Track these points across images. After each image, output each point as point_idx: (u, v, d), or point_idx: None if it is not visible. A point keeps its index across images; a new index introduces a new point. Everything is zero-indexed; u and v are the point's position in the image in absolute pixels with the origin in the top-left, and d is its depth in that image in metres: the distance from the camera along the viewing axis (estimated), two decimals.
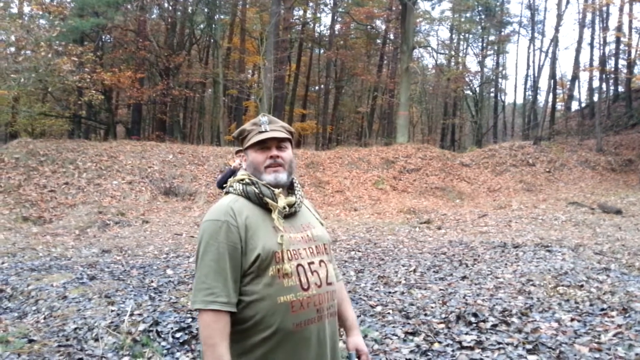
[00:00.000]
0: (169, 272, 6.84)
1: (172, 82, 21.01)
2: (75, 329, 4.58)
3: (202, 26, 26.82)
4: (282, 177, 1.78)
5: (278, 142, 1.80)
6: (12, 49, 15.15)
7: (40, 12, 17.54)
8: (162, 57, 21.23)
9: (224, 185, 1.84)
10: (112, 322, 4.65)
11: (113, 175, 14.34)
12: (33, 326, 4.74)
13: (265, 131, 1.79)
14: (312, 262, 1.74)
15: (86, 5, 17.69)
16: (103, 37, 21.98)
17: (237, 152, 6.22)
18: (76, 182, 13.69)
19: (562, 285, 5.53)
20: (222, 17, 26.01)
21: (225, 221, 1.66)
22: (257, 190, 1.73)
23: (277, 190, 1.75)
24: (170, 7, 23.16)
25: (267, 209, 1.73)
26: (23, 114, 16.70)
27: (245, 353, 1.65)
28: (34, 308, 5.34)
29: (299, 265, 1.70)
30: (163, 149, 16.59)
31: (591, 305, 4.79)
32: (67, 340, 4.35)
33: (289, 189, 1.85)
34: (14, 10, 20.48)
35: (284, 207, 1.75)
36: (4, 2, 19.18)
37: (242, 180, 1.78)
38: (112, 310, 5.01)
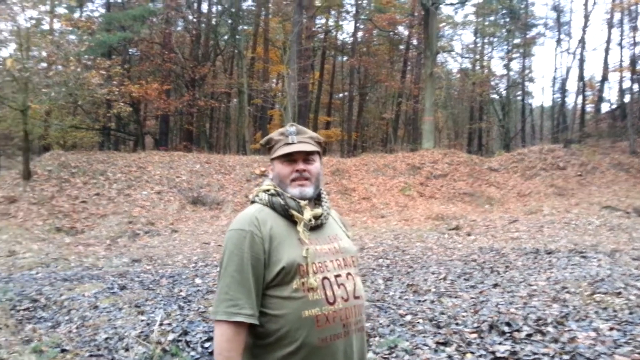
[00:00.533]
0: (198, 281, 6.88)
1: (198, 93, 21.29)
2: (106, 338, 4.63)
3: (226, 37, 27.14)
4: (308, 191, 1.75)
5: (305, 155, 1.76)
6: (44, 65, 15.56)
7: (70, 28, 17.99)
8: (188, 68, 21.56)
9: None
10: (142, 332, 4.69)
11: (142, 186, 14.56)
12: (66, 336, 4.81)
13: (293, 143, 1.76)
14: (339, 275, 1.69)
15: (113, 19, 18.11)
16: (130, 50, 22.45)
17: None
18: (107, 192, 13.95)
19: (599, 293, 5.35)
20: (245, 27, 26.29)
21: (249, 231, 1.63)
22: (282, 202, 1.70)
23: (303, 202, 1.72)
24: (194, 20, 23.51)
25: (292, 220, 1.69)
26: (55, 127, 17.09)
27: (273, 354, 1.61)
28: (66, 318, 5.42)
29: (324, 278, 1.65)
30: (190, 159, 16.79)
31: (630, 313, 4.61)
32: (99, 349, 4.39)
33: (316, 200, 1.81)
34: (45, 27, 21.11)
35: (310, 220, 1.71)
36: (35, 20, 19.77)
37: (268, 190, 1.75)
38: (142, 320, 5.05)
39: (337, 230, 1.84)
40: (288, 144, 1.76)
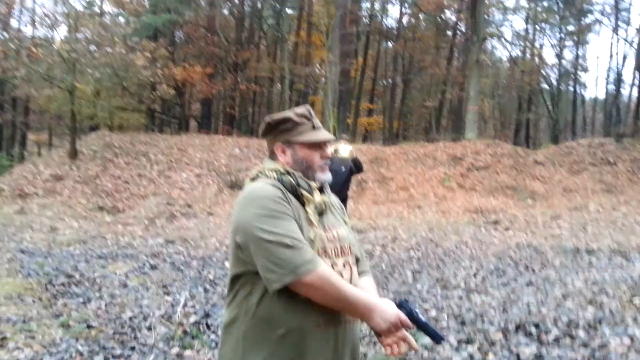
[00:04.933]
0: (227, 264, 6.94)
1: (240, 77, 21.44)
2: (132, 317, 4.73)
3: (270, 21, 27.16)
4: (329, 176, 1.77)
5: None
6: (92, 47, 15.99)
7: (117, 10, 18.40)
8: (231, 52, 21.71)
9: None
10: (165, 312, 4.77)
11: (182, 168, 14.84)
12: (94, 312, 4.94)
13: (319, 128, 1.74)
14: (336, 264, 1.65)
15: (159, 2, 18.37)
16: (175, 33, 22.79)
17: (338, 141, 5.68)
18: (148, 173, 14.29)
19: (639, 297, 5.05)
20: (289, 11, 26.20)
21: (283, 198, 1.60)
22: (294, 181, 1.65)
23: (314, 184, 1.70)
24: (238, 3, 23.60)
25: (300, 201, 1.65)
26: (101, 107, 17.59)
27: (258, 347, 1.57)
28: (97, 294, 5.58)
29: None
30: (230, 143, 16.97)
31: None
32: (123, 327, 4.49)
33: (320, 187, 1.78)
34: (96, 9, 21.70)
35: (323, 203, 1.70)
36: (87, 2, 20.34)
37: (276, 170, 1.69)
38: (167, 301, 5.14)
39: (337, 217, 1.81)
40: (315, 128, 1.74)
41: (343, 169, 6.21)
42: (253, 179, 1.71)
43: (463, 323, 4.44)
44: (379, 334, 1.61)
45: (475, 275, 6.32)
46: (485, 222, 11.14)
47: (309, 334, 1.56)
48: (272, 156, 1.77)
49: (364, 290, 1.69)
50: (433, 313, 4.76)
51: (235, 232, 1.59)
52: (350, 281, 1.66)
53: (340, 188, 6.26)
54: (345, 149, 6.23)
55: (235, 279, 1.63)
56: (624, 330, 4.13)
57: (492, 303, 5.07)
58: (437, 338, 1.66)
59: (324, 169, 1.75)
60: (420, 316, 1.63)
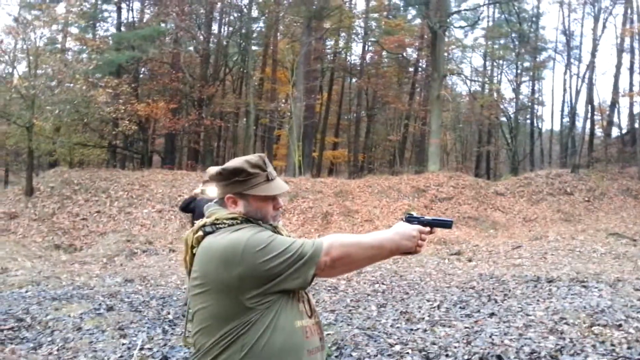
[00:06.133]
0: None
1: (205, 112, 21.38)
2: None
3: (235, 57, 27.38)
4: (280, 224, 1.79)
5: None
6: (53, 83, 15.73)
7: (80, 47, 18.24)
8: (195, 88, 21.70)
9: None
10: (121, 357, 4.56)
11: (144, 204, 14.52)
12: (45, 358, 4.69)
13: (273, 179, 1.72)
14: (302, 296, 1.71)
15: (123, 39, 18.32)
16: (139, 69, 22.67)
17: (205, 181, 6.20)
18: (108, 210, 13.92)
19: (598, 325, 5.14)
20: (255, 48, 26.50)
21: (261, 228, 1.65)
22: (257, 225, 1.67)
23: (275, 225, 1.73)
24: (204, 40, 23.74)
25: None
26: (60, 143, 17.19)
27: None
28: (49, 339, 5.31)
29: None
30: (194, 178, 16.75)
31: (629, 348, 4.40)
32: None
33: None
34: (57, 45, 21.46)
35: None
36: (48, 38, 20.10)
37: (235, 218, 1.66)
38: (124, 344, 4.93)
39: None
40: (269, 180, 1.71)
41: None
42: (208, 232, 1.64)
43: (427, 357, 4.41)
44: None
45: (439, 307, 6.32)
46: (449, 253, 11.24)
47: None
48: (222, 203, 1.73)
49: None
50: (397, 348, 4.71)
51: (241, 281, 1.53)
52: (313, 310, 1.71)
53: None
54: (212, 191, 6.37)
55: (222, 337, 1.56)
56: (583, 358, 4.17)
57: (456, 335, 5.06)
58: (447, 224, 1.84)
59: (276, 219, 1.75)
60: (427, 218, 1.80)
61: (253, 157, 1.73)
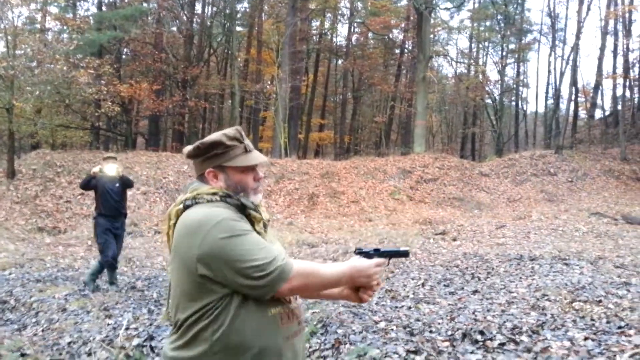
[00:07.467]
0: (171, 292, 6.73)
1: (189, 93, 21.14)
2: (70, 342, 4.50)
3: (219, 38, 27.02)
4: (261, 197, 1.76)
5: None
6: (34, 63, 15.38)
7: (60, 27, 17.83)
8: (179, 69, 21.41)
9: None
10: (107, 336, 4.56)
11: None
12: (29, 339, 4.67)
13: (251, 151, 1.71)
14: None
15: (104, 19, 17.96)
16: (121, 49, 22.28)
17: (105, 158, 6.39)
18: (92, 192, 13.74)
19: (579, 301, 5.24)
20: (239, 29, 26.17)
21: (239, 216, 1.59)
22: (238, 203, 1.63)
23: (257, 202, 1.70)
24: (187, 20, 23.37)
25: (249, 221, 1.64)
26: (42, 125, 16.89)
27: None
28: (34, 320, 5.29)
29: None
30: (178, 160, 16.63)
31: (608, 322, 4.50)
32: (60, 354, 4.26)
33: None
34: (37, 25, 20.97)
35: (268, 220, 1.72)
36: (27, 17, 19.61)
37: (215, 193, 1.63)
38: (109, 324, 4.92)
39: (272, 234, 1.81)
40: (247, 151, 1.70)
41: (117, 184, 6.42)
42: (188, 206, 1.62)
43: (412, 333, 4.46)
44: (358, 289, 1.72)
45: (423, 285, 6.39)
46: (434, 233, 11.34)
47: (283, 348, 1.58)
48: (202, 179, 1.71)
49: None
50: (382, 325, 4.76)
51: (198, 262, 1.50)
52: None
53: (119, 200, 6.61)
54: (111, 169, 6.52)
55: (194, 314, 1.54)
56: (564, 333, 4.26)
57: (440, 312, 5.13)
58: (404, 254, 1.80)
59: (257, 191, 1.73)
60: (382, 249, 1.74)
61: (230, 130, 1.72)
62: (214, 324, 1.52)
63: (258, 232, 1.62)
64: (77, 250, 9.54)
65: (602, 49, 25.12)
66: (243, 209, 1.62)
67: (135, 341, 4.39)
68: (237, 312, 1.52)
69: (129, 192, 7.37)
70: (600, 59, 25.11)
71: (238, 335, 1.51)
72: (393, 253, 1.75)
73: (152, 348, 4.29)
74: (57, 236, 11.17)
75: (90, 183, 6.62)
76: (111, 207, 6.50)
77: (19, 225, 11.51)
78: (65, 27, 20.77)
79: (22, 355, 4.20)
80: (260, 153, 1.78)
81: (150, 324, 4.79)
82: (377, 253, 1.70)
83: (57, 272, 7.45)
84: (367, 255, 1.68)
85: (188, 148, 1.74)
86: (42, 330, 4.92)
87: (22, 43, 15.03)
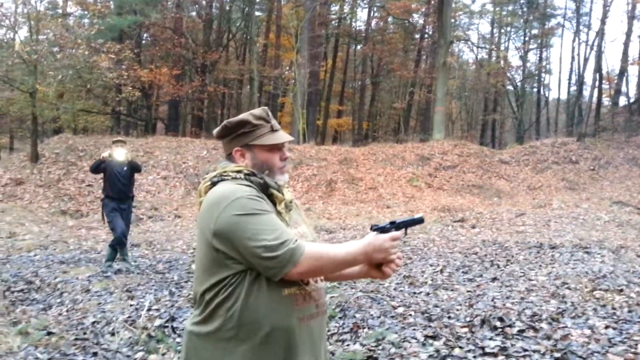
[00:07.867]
0: (194, 267, 6.83)
1: (208, 78, 21.20)
2: (94, 322, 4.60)
3: (238, 23, 26.98)
4: (287, 177, 1.77)
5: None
6: (56, 48, 15.56)
7: (81, 12, 17.99)
8: (198, 54, 21.46)
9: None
10: (129, 317, 4.65)
11: (149, 171, 14.56)
12: (55, 318, 4.79)
13: (277, 130, 1.73)
14: None
15: (125, 3, 18.04)
16: (141, 34, 22.40)
17: (115, 142, 6.48)
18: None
19: (600, 290, 5.19)
20: (258, 13, 26.08)
21: (259, 195, 1.59)
22: (262, 181, 1.64)
23: (281, 183, 1.71)
24: (206, 4, 23.36)
25: (270, 200, 1.65)
26: (64, 109, 17.13)
27: (242, 353, 1.54)
28: (58, 300, 5.42)
29: None
30: (198, 145, 16.76)
31: (629, 311, 4.45)
32: (85, 333, 4.36)
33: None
34: (59, 10, 21.19)
35: (290, 201, 1.71)
36: (49, 2, 19.82)
37: (240, 171, 1.65)
38: (131, 305, 5.02)
39: (300, 215, 1.83)
40: (273, 130, 1.72)
41: (125, 168, 6.67)
42: (214, 183, 1.65)
43: (430, 319, 4.47)
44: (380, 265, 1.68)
45: (442, 271, 6.39)
46: (452, 220, 11.29)
47: (297, 329, 1.57)
48: (230, 159, 1.74)
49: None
50: (400, 310, 4.78)
51: (214, 237, 1.53)
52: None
53: (127, 183, 6.78)
54: (120, 154, 6.66)
55: (211, 289, 1.57)
56: (584, 321, 4.23)
57: (459, 298, 5.13)
58: (419, 221, 1.76)
59: (284, 170, 1.74)
60: (397, 221, 1.70)
61: (256, 110, 1.74)
62: (229, 300, 1.54)
63: (279, 212, 1.62)
64: (99, 233, 9.72)
65: (629, 34, 24.48)
66: (266, 188, 1.64)
67: (157, 322, 4.48)
68: (250, 290, 1.53)
69: (139, 176, 7.51)
70: (626, 44, 24.48)
71: (251, 313, 1.53)
72: (409, 222, 1.71)
73: (173, 329, 4.37)
74: (79, 219, 11.39)
75: (99, 167, 6.84)
76: (119, 190, 6.70)
77: (42, 209, 11.76)
78: (86, 12, 20.93)
79: (49, 333, 4.30)
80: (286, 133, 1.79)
81: (172, 306, 4.88)
82: (393, 226, 1.66)
83: (80, 254, 7.61)
84: (383, 230, 1.64)
85: (217, 128, 1.77)
86: (67, 310, 5.04)
87: (44, 28, 15.23)
